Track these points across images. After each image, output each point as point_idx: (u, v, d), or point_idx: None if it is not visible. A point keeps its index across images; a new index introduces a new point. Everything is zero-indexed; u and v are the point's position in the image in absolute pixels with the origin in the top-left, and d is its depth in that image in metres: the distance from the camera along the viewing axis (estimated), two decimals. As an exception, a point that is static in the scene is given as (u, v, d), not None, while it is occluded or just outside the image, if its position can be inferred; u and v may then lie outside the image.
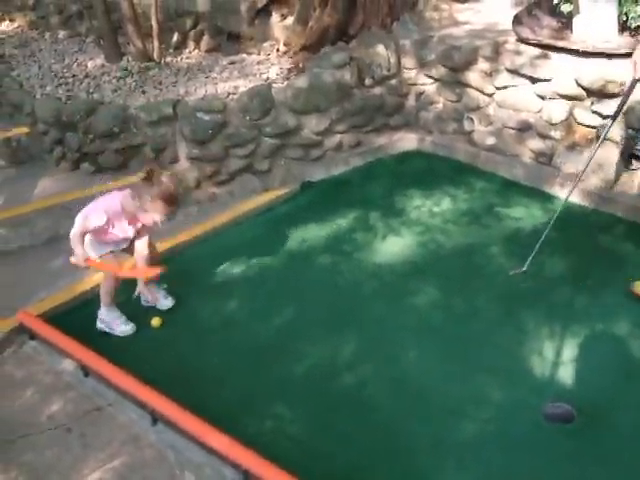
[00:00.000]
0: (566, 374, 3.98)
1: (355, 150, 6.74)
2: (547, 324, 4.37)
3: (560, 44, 6.04)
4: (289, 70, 7.23)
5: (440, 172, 6.47)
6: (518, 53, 6.17)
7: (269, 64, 7.48)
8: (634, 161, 5.63)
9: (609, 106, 5.57)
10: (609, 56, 5.81)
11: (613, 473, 3.37)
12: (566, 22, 6.10)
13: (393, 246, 5.30)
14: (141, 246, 4.45)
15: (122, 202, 4.20)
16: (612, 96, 5.56)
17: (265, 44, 7.95)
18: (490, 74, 6.32)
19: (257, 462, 3.22)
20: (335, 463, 3.47)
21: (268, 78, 6.99)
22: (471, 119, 6.60)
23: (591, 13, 5.86)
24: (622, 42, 5.82)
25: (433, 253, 5.20)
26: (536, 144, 6.18)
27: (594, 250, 5.15)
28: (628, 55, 5.71)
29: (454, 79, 6.61)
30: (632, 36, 5.79)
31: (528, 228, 5.47)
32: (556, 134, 6.00)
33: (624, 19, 5.82)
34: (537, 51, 6.13)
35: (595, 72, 5.65)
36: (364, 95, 6.73)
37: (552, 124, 5.99)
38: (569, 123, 5.91)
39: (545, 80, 5.96)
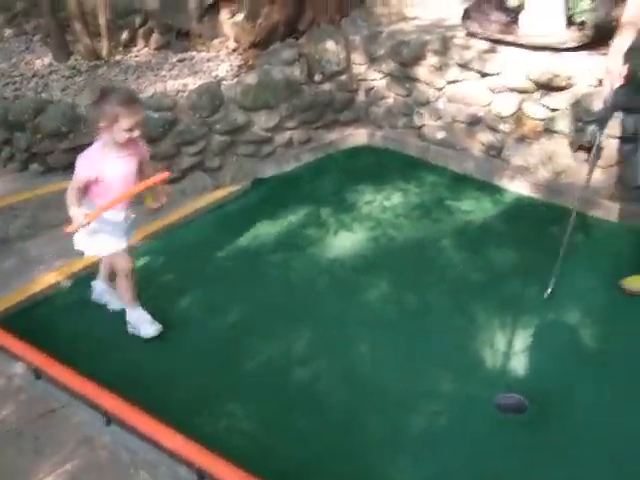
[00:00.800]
0: (518, 365, 3.99)
1: (306, 146, 6.71)
2: (498, 316, 4.38)
3: (508, 38, 6.07)
4: (239, 67, 7.20)
5: (391, 167, 6.46)
6: (467, 47, 6.19)
7: (219, 61, 7.44)
8: (582, 153, 5.68)
9: (557, 99, 5.65)
10: (556, 50, 5.86)
11: (565, 461, 3.38)
12: (514, 17, 6.13)
13: (345, 241, 5.28)
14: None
15: (99, 142, 3.94)
16: (560, 89, 5.63)
17: (215, 41, 7.90)
18: (439, 68, 6.33)
19: (211, 460, 3.16)
20: (290, 460, 3.43)
21: (218, 75, 6.96)
22: (421, 113, 6.60)
23: (538, 8, 5.89)
24: (569, 36, 5.86)
25: (385, 248, 5.19)
26: (486, 137, 6.21)
27: (544, 241, 5.16)
28: (575, 49, 5.79)
29: (404, 74, 6.61)
30: (578, 30, 5.83)
31: (478, 221, 5.50)
32: (505, 127, 6.03)
33: (570, 14, 5.86)
34: (486, 45, 6.16)
35: (543, 66, 5.70)
36: (314, 91, 6.69)
37: (501, 117, 6.02)
38: (518, 116, 5.94)
39: (494, 74, 5.99)
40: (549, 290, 4.52)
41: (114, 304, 4.56)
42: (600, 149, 5.00)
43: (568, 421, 3.62)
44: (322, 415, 3.71)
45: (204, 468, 3.14)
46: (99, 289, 4.62)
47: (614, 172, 5.51)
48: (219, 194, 5.99)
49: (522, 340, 4.18)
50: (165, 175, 4.13)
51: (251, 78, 6.35)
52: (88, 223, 3.86)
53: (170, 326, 4.40)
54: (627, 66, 4.35)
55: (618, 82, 4.42)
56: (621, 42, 4.38)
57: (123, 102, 3.79)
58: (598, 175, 5.60)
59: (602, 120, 4.87)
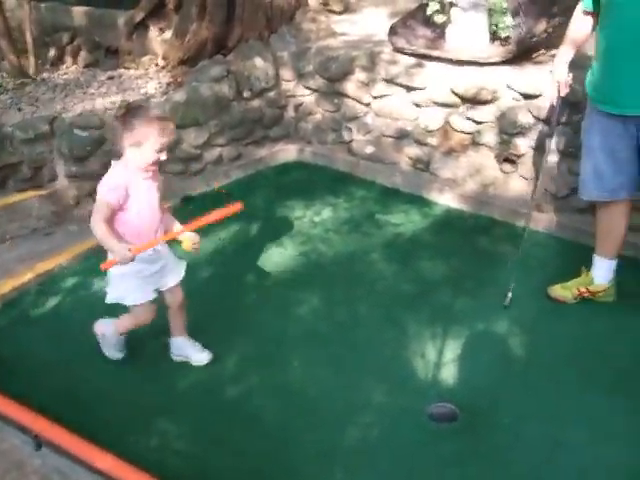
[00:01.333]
0: (448, 375, 4.01)
1: (235, 163, 6.68)
2: (429, 327, 4.40)
3: (434, 53, 6.14)
4: (168, 84, 7.14)
5: (320, 182, 6.47)
6: (394, 63, 6.25)
7: (147, 79, 7.37)
8: (508, 164, 5.78)
9: (483, 112, 5.74)
10: (481, 64, 5.95)
11: (494, 470, 3.40)
12: (440, 32, 6.20)
13: (276, 257, 5.25)
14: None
15: (119, 164, 3.59)
16: (485, 102, 5.72)
17: (144, 58, 7.83)
18: (367, 84, 6.37)
19: (144, 480, 3.15)
20: (223, 477, 3.39)
21: (147, 93, 6.88)
22: (349, 129, 6.64)
23: (463, 24, 5.98)
24: (493, 51, 5.95)
25: (315, 262, 5.18)
26: (414, 151, 6.26)
27: (473, 253, 5.24)
28: (499, 64, 5.89)
29: (332, 89, 6.64)
30: (502, 45, 5.93)
31: (407, 233, 5.53)
32: (433, 141, 6.10)
33: (494, 29, 5.95)
34: (412, 60, 6.22)
35: (468, 80, 5.79)
36: (243, 108, 6.68)
37: (428, 131, 6.08)
38: (445, 130, 6.01)
39: (420, 88, 6.06)
40: (508, 299, 4.60)
41: (197, 356, 4.19)
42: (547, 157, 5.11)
43: (498, 429, 3.64)
44: (256, 431, 3.66)
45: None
46: (178, 343, 4.22)
47: (540, 184, 5.61)
48: (148, 212, 5.91)
49: (452, 350, 4.21)
50: (238, 207, 3.85)
51: (179, 95, 6.31)
52: (133, 258, 3.47)
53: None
54: (571, 76, 4.46)
55: (565, 90, 4.51)
56: (565, 53, 4.47)
57: (156, 119, 3.55)
58: (525, 187, 5.71)
59: (551, 128, 5.01)
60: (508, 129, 5.62)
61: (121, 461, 3.20)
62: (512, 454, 3.50)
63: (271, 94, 6.88)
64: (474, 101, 5.76)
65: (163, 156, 3.58)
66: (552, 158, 5.38)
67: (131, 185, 3.56)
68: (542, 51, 6.16)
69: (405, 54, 6.31)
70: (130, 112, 3.58)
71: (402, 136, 6.29)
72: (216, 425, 3.72)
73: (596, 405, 3.81)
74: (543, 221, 5.45)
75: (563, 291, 4.68)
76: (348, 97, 6.57)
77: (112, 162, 3.64)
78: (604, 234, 4.55)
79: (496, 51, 5.96)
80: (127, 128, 3.49)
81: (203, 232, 5.38)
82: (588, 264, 4.66)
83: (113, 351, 4.16)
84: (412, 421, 3.66)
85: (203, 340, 4.27)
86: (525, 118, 5.55)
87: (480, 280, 4.88)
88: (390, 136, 6.35)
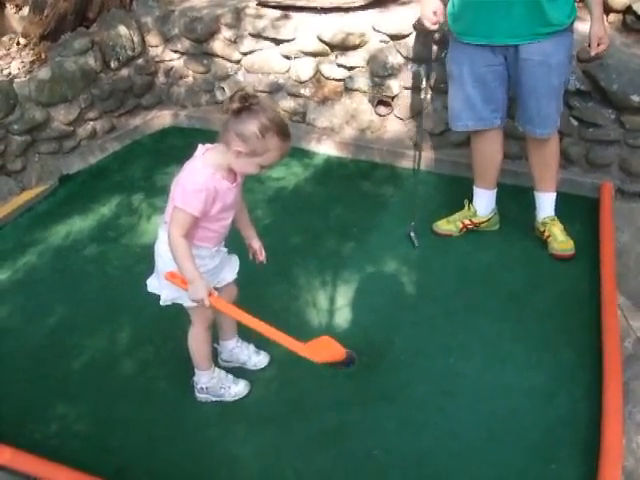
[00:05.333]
0: (342, 320, 4.03)
1: (110, 135, 6.49)
2: (318, 276, 4.41)
3: (299, 3, 6.05)
4: (31, 62, 6.88)
5: (198, 145, 6.33)
6: (259, 17, 6.14)
7: (9, 59, 7.08)
8: (382, 107, 5.79)
9: (352, 58, 5.72)
10: (346, 10, 5.90)
11: (396, 407, 3.46)
12: (303, -18, 6.15)
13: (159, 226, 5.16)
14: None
15: (205, 165, 2.93)
16: (354, 48, 5.69)
17: (3, 38, 7.50)
18: (234, 41, 6.26)
19: (46, 467, 3.06)
20: (124, 452, 3.32)
21: (10, 74, 6.63)
22: (222, 88, 6.54)
23: (324, -30, 5.94)
24: (357, -5, 5.94)
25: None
26: (288, 104, 6.21)
27: (356, 198, 5.25)
28: (364, 7, 5.87)
29: (200, 50, 6.52)
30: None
31: (290, 186, 5.51)
32: (306, 91, 6.06)
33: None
34: (278, 13, 6.12)
35: (335, 27, 5.73)
36: (111, 78, 6.49)
37: (301, 82, 6.04)
38: (317, 79, 5.98)
39: (289, 40, 5.99)
40: (413, 238, 4.67)
41: (253, 361, 3.77)
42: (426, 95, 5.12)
43: (395, 367, 3.69)
44: (152, 402, 3.61)
45: (42, 476, 3.03)
46: (230, 347, 3.77)
47: (414, 122, 5.66)
48: (26, 196, 5.70)
49: (344, 295, 4.23)
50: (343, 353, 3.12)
51: (44, 72, 6.08)
52: (210, 306, 3.01)
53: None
54: (441, 8, 4.31)
55: (436, 25, 4.26)
56: None
57: (283, 136, 2.87)
58: (402, 127, 5.75)
59: (427, 62, 5.08)
60: (379, 72, 5.62)
61: (20, 452, 3.14)
62: (412, 390, 3.55)
63: (139, 62, 6.70)
64: (343, 47, 5.73)
65: (264, 170, 3.05)
66: (425, 96, 5.42)
67: (219, 194, 2.98)
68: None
69: (270, 7, 6.20)
70: (255, 113, 2.81)
71: (275, 90, 6.23)
72: (113, 402, 3.65)
73: (487, 333, 3.90)
74: (422, 159, 5.48)
75: (448, 225, 4.74)
76: (217, 56, 6.46)
77: (188, 164, 3.02)
78: (481, 165, 4.61)
79: (360, -5, 5.94)
80: (246, 132, 2.80)
81: (84, 211, 5.33)
82: (470, 196, 4.73)
83: (235, 387, 3.61)
84: (309, 370, 3.61)
85: (94, 320, 4.23)
86: (395, 59, 5.56)
87: (365, 224, 4.90)
88: (263, 91, 6.26)
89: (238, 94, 2.79)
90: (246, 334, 3.65)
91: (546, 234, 4.48)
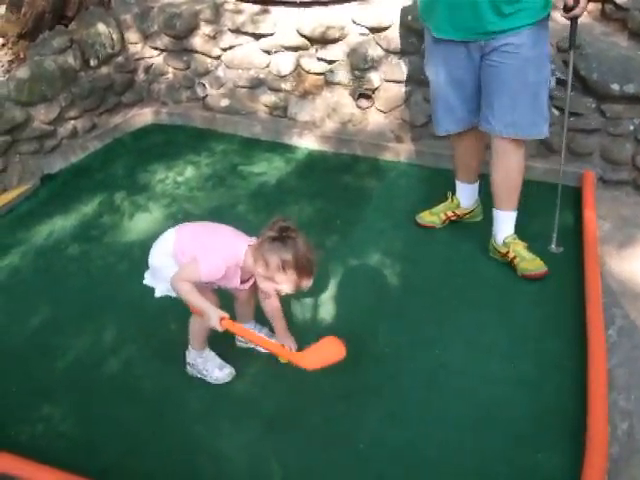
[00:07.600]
0: (326, 314, 4.03)
1: (91, 134, 6.44)
2: (302, 269, 4.39)
3: (278, -2, 6.07)
4: (10, 62, 6.83)
5: (180, 142, 6.34)
6: (238, 12, 6.12)
7: (-13, 60, 7.07)
8: (364, 100, 5.79)
9: (332, 51, 5.72)
10: (326, 4, 5.88)
11: (382, 400, 3.45)
12: (283, -24, 6.13)
13: (142, 223, 5.10)
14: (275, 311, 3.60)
15: (244, 257, 3.20)
16: (333, 41, 5.69)
17: (-20, 39, 7.51)
18: (214, 37, 6.23)
19: (33, 469, 3.04)
20: (111, 451, 3.29)
21: (-13, 74, 6.60)
22: (202, 84, 6.51)
23: (303, -36, 5.92)
24: (337, -11, 5.92)
25: (182, 222, 5.06)
26: (269, 98, 6.20)
27: (339, 191, 5.24)
28: (343, 1, 5.85)
29: (180, 47, 6.48)
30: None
31: (272, 181, 5.49)
32: (287, 86, 6.05)
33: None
34: (257, 8, 6.10)
35: (314, 20, 5.72)
36: (91, 77, 6.44)
37: (282, 76, 6.02)
38: (298, 73, 5.97)
39: (268, 35, 5.97)
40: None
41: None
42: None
43: (381, 360, 3.69)
44: (137, 401, 3.58)
45: (28, 478, 3.00)
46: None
47: (397, 115, 5.65)
48: (7, 197, 5.65)
49: (328, 289, 4.21)
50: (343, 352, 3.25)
51: (23, 72, 6.03)
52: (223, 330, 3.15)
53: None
54: None
55: None
56: None
57: (304, 275, 3.08)
58: (383, 120, 5.74)
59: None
60: (360, 64, 5.61)
61: (6, 454, 3.11)
62: (397, 381, 3.54)
63: (119, 59, 6.66)
64: (322, 41, 5.72)
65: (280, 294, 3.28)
66: (407, 89, 5.43)
67: (229, 277, 3.25)
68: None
69: (249, 2, 6.18)
70: (284, 247, 3.04)
71: (256, 85, 6.22)
72: (98, 401, 3.61)
73: (471, 323, 3.91)
74: (404, 151, 5.48)
75: (431, 217, 4.74)
76: (197, 52, 6.42)
77: (232, 236, 3.37)
78: (462, 161, 4.59)
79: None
80: (269, 262, 3.05)
81: (66, 211, 5.30)
82: (452, 188, 4.73)
83: (218, 372, 3.65)
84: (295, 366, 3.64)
85: (77, 319, 4.19)
86: (375, 52, 5.55)
87: (348, 217, 4.89)
88: (244, 86, 6.26)
89: (279, 223, 3.12)
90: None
91: (511, 255, 4.24)
